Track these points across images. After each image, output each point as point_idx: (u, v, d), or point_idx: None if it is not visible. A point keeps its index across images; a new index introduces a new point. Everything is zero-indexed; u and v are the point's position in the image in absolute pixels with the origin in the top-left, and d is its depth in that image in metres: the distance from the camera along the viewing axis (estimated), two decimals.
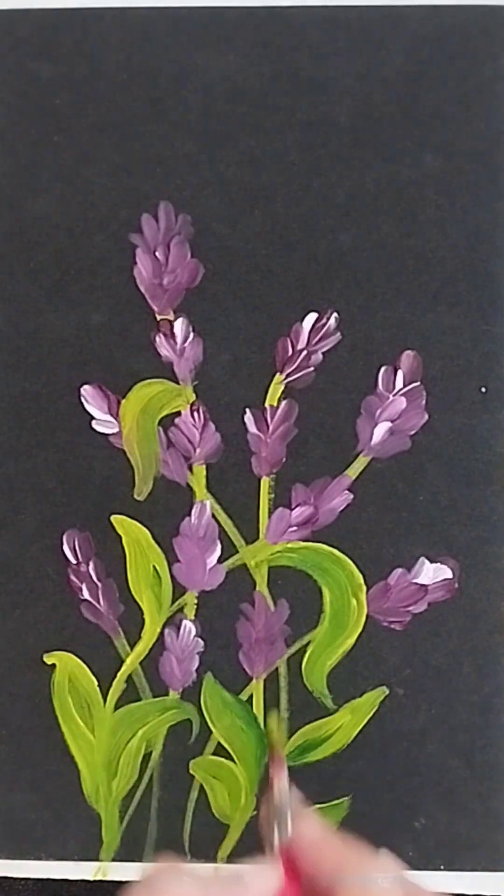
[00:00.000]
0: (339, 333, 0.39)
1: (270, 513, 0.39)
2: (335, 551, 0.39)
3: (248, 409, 0.39)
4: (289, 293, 0.39)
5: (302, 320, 0.39)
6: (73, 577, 0.39)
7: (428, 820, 0.38)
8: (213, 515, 0.39)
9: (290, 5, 0.39)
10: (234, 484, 0.39)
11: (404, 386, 0.39)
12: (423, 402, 0.39)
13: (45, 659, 0.39)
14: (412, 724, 0.38)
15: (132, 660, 0.39)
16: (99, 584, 0.39)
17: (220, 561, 0.39)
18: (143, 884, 0.27)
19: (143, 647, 0.39)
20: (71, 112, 0.40)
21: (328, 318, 0.39)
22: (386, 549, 0.39)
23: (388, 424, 0.39)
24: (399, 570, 0.39)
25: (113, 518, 0.39)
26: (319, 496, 0.39)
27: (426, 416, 0.39)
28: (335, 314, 0.39)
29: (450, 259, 0.39)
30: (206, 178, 0.39)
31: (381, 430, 0.39)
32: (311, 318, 0.39)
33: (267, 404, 0.39)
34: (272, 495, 0.39)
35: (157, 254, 0.39)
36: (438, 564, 0.39)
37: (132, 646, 0.39)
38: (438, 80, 0.39)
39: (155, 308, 0.39)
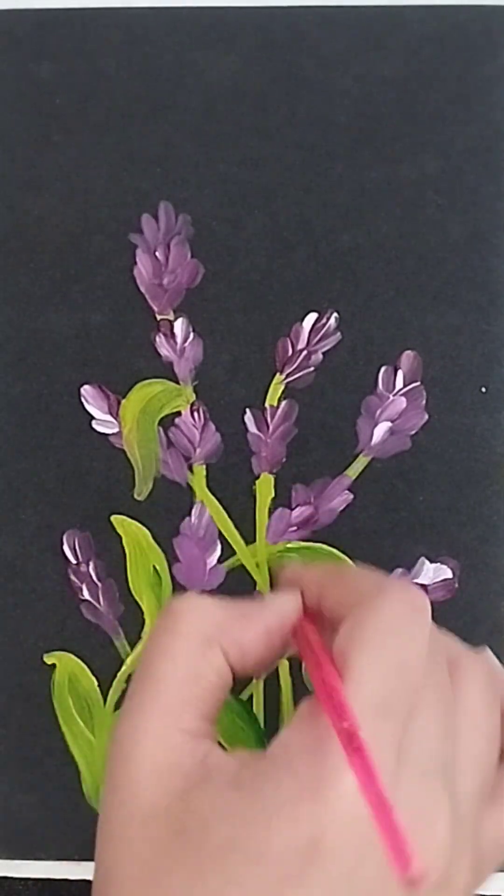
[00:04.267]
0: (339, 333, 0.39)
1: (270, 513, 0.39)
2: (335, 551, 0.39)
3: (248, 409, 0.39)
4: (289, 293, 0.39)
5: (302, 320, 0.39)
6: (73, 577, 0.39)
7: None
8: (213, 515, 0.39)
9: (290, 5, 0.39)
10: (234, 484, 0.39)
11: (404, 386, 0.39)
12: (423, 402, 0.39)
13: (45, 659, 0.39)
14: None
15: (132, 660, 0.39)
16: (99, 584, 0.39)
17: (220, 561, 0.39)
18: (165, 611, 0.27)
19: (143, 647, 0.39)
20: (71, 112, 0.40)
21: (328, 318, 0.39)
22: (386, 549, 0.39)
23: (388, 424, 0.39)
24: (399, 570, 0.39)
25: (113, 518, 0.39)
26: (319, 496, 0.39)
27: (426, 416, 0.39)
28: (335, 314, 0.39)
29: (450, 259, 0.39)
30: (206, 178, 0.39)
31: (381, 430, 0.39)
32: (311, 318, 0.39)
33: (267, 404, 0.39)
34: (272, 495, 0.39)
35: (157, 254, 0.39)
36: (438, 564, 0.39)
37: (132, 646, 0.39)
38: (438, 80, 0.39)
39: (155, 308, 0.39)
